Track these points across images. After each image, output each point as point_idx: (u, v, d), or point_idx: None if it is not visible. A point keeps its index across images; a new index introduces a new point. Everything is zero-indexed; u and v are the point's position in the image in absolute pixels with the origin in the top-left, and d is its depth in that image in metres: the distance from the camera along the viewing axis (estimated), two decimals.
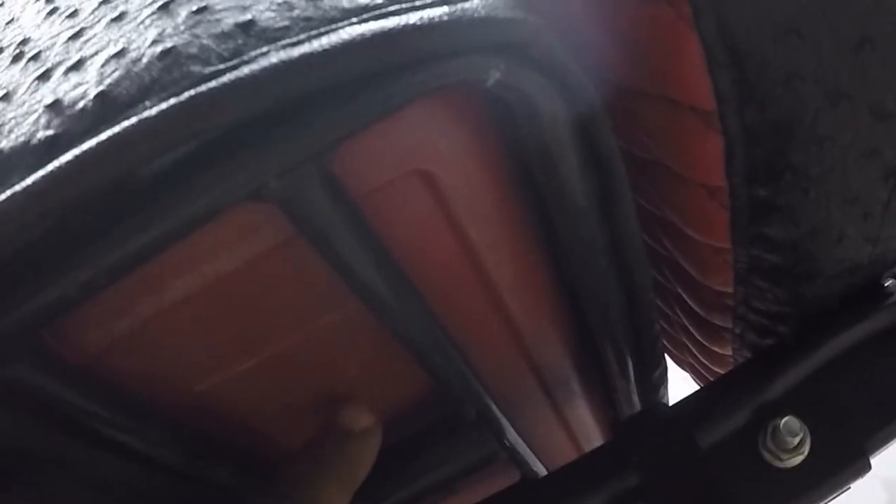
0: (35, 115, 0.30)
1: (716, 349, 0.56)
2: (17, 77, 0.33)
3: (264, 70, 0.27)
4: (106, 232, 0.29)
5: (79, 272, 0.30)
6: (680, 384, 0.63)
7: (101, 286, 0.30)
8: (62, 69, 0.31)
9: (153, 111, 0.27)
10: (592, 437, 0.66)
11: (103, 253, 0.29)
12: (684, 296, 0.53)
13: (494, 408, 0.45)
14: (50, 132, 0.29)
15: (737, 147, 0.38)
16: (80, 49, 0.31)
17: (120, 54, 0.29)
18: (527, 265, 0.41)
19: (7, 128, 0.30)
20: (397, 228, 0.35)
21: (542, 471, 0.58)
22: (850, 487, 0.51)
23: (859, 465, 0.48)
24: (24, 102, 0.31)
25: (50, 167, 0.27)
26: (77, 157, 0.27)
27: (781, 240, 0.41)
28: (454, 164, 0.34)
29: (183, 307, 0.35)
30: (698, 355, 0.60)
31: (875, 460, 0.49)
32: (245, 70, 0.27)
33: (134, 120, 0.27)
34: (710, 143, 0.38)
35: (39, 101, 0.30)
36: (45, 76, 0.32)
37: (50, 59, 0.32)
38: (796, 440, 0.45)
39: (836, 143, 0.37)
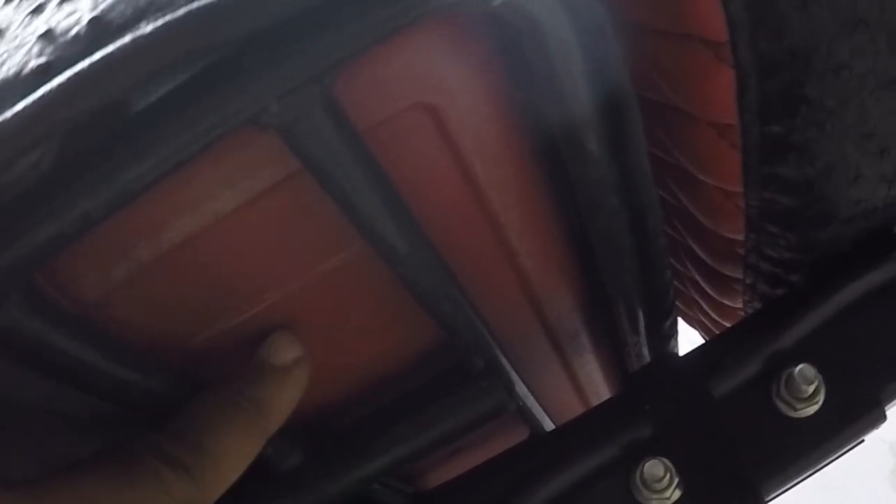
0: (27, 47, 0.29)
1: (726, 302, 0.55)
2: (10, 15, 0.32)
3: None
4: (102, 162, 0.29)
5: (75, 204, 0.29)
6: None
7: (97, 220, 0.30)
8: (56, 1, 0.30)
9: (147, 29, 0.26)
10: (602, 393, 0.66)
11: (100, 183, 0.29)
12: (695, 247, 0.52)
13: (503, 359, 0.44)
14: (42, 60, 0.28)
15: (749, 80, 0.37)
16: None
17: None
18: (536, 208, 0.40)
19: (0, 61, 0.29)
20: (403, 165, 0.34)
21: (550, 427, 0.57)
22: (864, 440, 0.50)
23: (875, 415, 0.47)
24: (16, 37, 0.30)
25: (41, 91, 0.26)
26: (69, 80, 0.26)
27: (795, 180, 0.40)
28: (460, 98, 0.33)
29: (182, 251, 0.34)
30: (708, 310, 0.59)
31: (884, 424, 0.48)
32: None
33: (127, 39, 0.26)
34: (721, 77, 0.37)
35: (32, 33, 0.29)
36: (38, 10, 0.31)
37: None
38: (811, 389, 0.45)
39: (853, 73, 0.36)
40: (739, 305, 0.54)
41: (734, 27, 0.35)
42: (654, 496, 0.43)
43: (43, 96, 0.26)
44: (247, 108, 0.28)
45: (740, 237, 0.47)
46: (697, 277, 0.56)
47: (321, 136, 0.29)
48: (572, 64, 0.32)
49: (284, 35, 0.28)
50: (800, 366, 0.44)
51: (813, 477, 0.49)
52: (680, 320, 0.67)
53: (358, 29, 0.28)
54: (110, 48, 0.26)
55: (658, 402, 0.45)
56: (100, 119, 0.28)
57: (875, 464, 1.57)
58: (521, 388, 0.47)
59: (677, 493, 0.43)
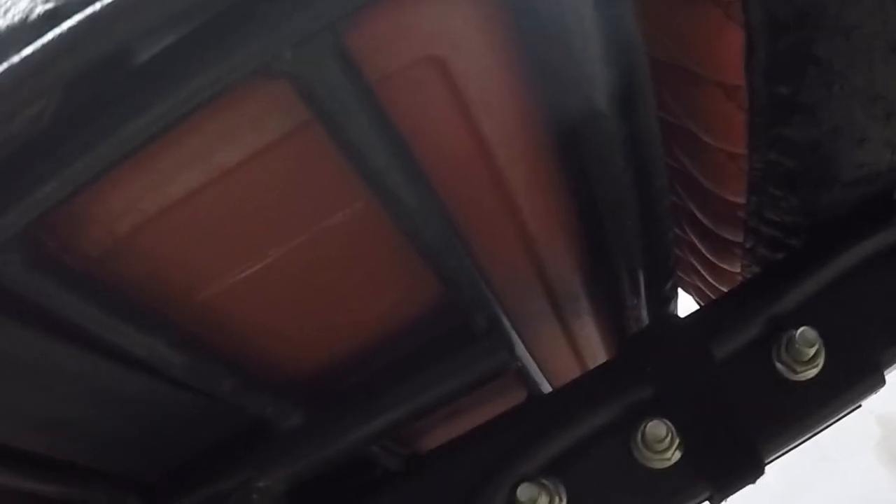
0: None
1: (725, 266, 0.55)
2: None
3: None
4: (102, 116, 0.28)
5: (74, 160, 0.28)
6: None
7: (98, 176, 0.29)
8: None
9: None
10: (598, 356, 0.66)
11: (100, 137, 0.28)
12: (695, 210, 0.52)
13: (504, 319, 0.44)
14: (49, 5, 0.27)
15: (758, 40, 0.36)
16: None
17: None
18: (541, 166, 0.40)
19: (3, 9, 0.29)
20: (412, 118, 0.33)
21: (547, 389, 0.57)
22: (861, 405, 0.50)
23: (874, 380, 0.47)
24: None
25: (48, 36, 0.26)
26: (79, 24, 0.26)
27: (801, 141, 0.40)
28: (468, 51, 0.33)
29: (186, 204, 0.33)
30: (706, 275, 0.59)
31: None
32: None
33: None
34: (730, 37, 0.37)
35: None
36: None
37: None
38: (811, 351, 0.45)
39: (863, 34, 0.35)
40: (738, 270, 0.54)
41: None
42: (655, 456, 0.43)
43: (51, 41, 0.26)
44: (259, 57, 0.27)
45: (742, 200, 0.47)
46: (697, 242, 0.56)
47: (333, 86, 0.29)
48: (584, 18, 0.32)
49: None
50: (801, 328, 0.44)
51: (799, 447, 0.49)
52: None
53: None
54: None
55: (659, 363, 0.45)
56: (102, 70, 0.28)
57: (862, 435, 1.58)
58: (520, 349, 0.47)
59: (678, 454, 0.44)
